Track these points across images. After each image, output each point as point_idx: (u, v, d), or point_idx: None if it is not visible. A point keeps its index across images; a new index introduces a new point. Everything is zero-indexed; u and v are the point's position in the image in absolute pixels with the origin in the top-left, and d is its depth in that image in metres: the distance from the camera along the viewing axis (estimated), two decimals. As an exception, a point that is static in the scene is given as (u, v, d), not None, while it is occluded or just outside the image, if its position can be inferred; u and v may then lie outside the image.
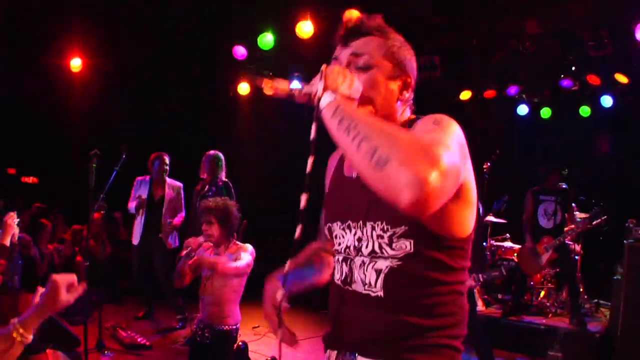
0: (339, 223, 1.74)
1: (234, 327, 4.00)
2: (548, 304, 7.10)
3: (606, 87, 8.43)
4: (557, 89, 8.73)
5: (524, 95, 9.24)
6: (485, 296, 7.30)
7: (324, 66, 1.55)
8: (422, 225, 1.51)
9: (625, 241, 6.04)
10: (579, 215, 7.41)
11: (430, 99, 9.28)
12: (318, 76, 1.52)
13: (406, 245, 1.56)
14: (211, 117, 9.62)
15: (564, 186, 7.21)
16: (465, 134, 1.52)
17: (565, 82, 8.40)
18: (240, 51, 7.78)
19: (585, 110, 9.08)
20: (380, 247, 1.60)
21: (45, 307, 2.04)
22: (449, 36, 7.53)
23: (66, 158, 9.37)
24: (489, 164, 7.33)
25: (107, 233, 8.22)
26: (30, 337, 2.02)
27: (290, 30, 6.99)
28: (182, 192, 7.23)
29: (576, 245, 7.46)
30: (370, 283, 1.61)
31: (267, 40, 7.50)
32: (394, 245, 1.57)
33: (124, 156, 5.72)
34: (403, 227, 1.55)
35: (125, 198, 7.10)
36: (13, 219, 3.85)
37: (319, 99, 1.49)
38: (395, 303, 1.58)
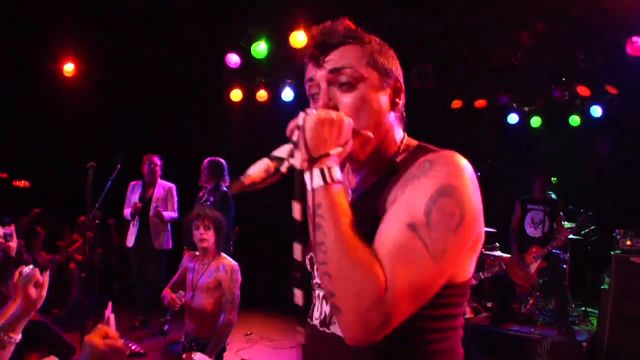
0: None
1: None
2: (536, 312, 7.18)
3: (596, 97, 8.51)
4: (547, 99, 8.81)
5: (514, 104, 9.31)
6: (474, 304, 7.36)
7: (301, 115, 1.32)
8: None
9: (612, 252, 6.13)
10: (566, 224, 7.51)
11: (422, 108, 9.39)
12: (299, 135, 1.30)
13: None
14: (204, 124, 9.64)
15: (553, 196, 7.29)
16: (459, 146, 1.39)
17: (556, 92, 8.48)
18: (233, 59, 7.81)
19: (575, 120, 9.17)
20: None
21: (24, 308, 2.15)
22: (441, 45, 7.59)
23: (58, 162, 9.37)
24: (479, 173, 7.40)
25: (99, 239, 8.22)
26: (19, 336, 2.15)
27: (284, 39, 7.03)
28: (174, 192, 7.20)
29: (564, 254, 7.55)
30: None
31: (260, 48, 7.53)
32: None
33: (119, 166, 5.72)
34: None
35: (119, 205, 7.13)
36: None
37: (305, 170, 1.30)
38: (375, 351, 1.37)
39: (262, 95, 8.97)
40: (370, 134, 1.40)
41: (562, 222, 7.23)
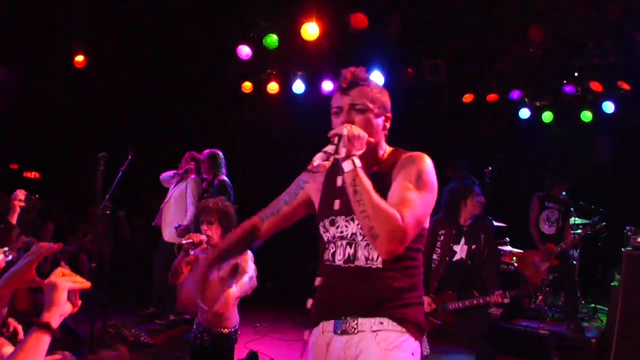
0: (343, 217, 2.30)
1: (233, 329, 3.99)
2: (546, 308, 7.15)
3: (608, 93, 8.43)
4: (559, 94, 8.74)
5: (526, 99, 9.24)
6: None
7: (346, 128, 2.11)
8: None
9: (623, 249, 6.07)
10: (577, 220, 7.47)
11: (434, 102, 9.36)
12: (342, 137, 2.08)
13: None
14: (215, 116, 9.64)
15: (564, 194, 7.25)
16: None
17: (568, 88, 8.41)
18: (244, 51, 7.78)
19: (586, 116, 9.09)
20: None
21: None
22: (454, 40, 7.54)
23: (68, 153, 9.41)
24: (490, 168, 7.39)
25: (111, 230, 8.20)
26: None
27: (296, 31, 6.99)
28: (192, 187, 6.86)
29: (574, 250, 7.50)
30: (372, 258, 2.21)
31: (272, 40, 7.51)
32: None
33: (130, 157, 5.72)
34: None
35: (129, 197, 7.11)
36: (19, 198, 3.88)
37: (342, 160, 2.09)
38: (387, 272, 2.20)
39: (272, 87, 8.94)
40: (372, 140, 2.24)
41: (573, 218, 7.19)
